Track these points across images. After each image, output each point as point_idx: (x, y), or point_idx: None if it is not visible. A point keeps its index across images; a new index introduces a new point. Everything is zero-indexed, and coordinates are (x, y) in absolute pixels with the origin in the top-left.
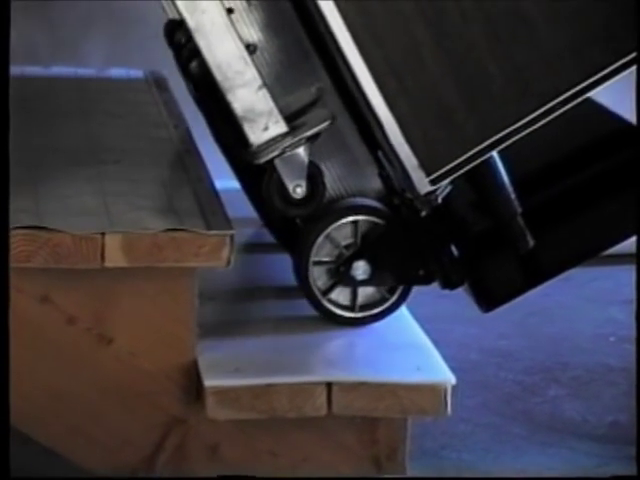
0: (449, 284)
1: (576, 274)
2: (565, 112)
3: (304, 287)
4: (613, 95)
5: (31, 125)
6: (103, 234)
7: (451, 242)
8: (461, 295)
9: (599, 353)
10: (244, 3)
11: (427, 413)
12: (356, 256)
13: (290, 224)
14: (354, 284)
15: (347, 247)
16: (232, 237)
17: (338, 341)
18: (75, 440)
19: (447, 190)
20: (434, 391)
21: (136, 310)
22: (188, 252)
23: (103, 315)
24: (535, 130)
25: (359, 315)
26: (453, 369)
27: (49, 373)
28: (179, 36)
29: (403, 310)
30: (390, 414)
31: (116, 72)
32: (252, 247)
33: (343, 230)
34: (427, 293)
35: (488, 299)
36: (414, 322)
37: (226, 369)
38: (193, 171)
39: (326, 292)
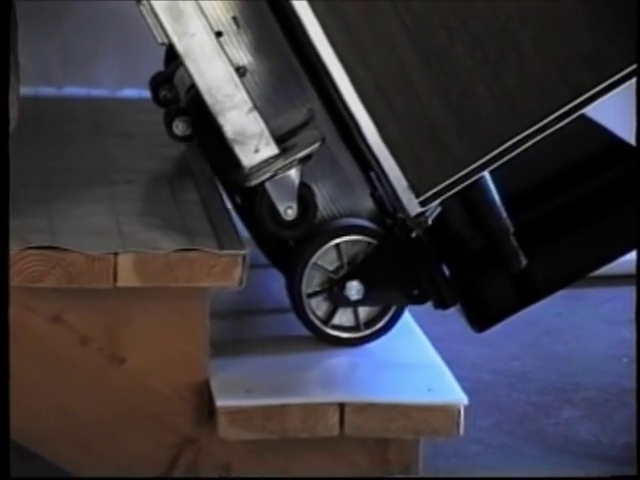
0: (442, 304)
1: (589, 294)
2: (558, 129)
3: (304, 322)
4: (609, 109)
5: (44, 146)
6: (116, 254)
7: (443, 262)
8: None
9: (612, 374)
10: (233, 26)
11: (439, 434)
12: (349, 276)
13: (283, 246)
14: (348, 304)
15: (340, 268)
16: (244, 257)
17: (350, 361)
18: (86, 459)
19: (437, 211)
20: (446, 412)
21: (148, 330)
22: (200, 272)
23: (115, 335)
24: (528, 147)
25: (366, 333)
26: (465, 389)
27: (61, 392)
28: (164, 92)
29: (415, 330)
30: (402, 435)
31: (128, 92)
32: (261, 265)
33: (334, 251)
34: (439, 312)
35: (481, 319)
36: (426, 342)
37: (238, 389)
38: (205, 191)
39: (328, 320)
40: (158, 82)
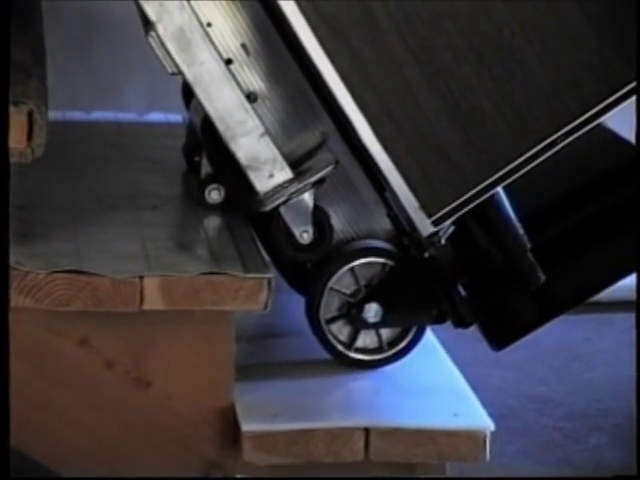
0: (462, 322)
1: (618, 320)
2: (578, 140)
3: (327, 347)
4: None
5: (72, 170)
6: (142, 277)
7: (461, 280)
8: None
9: None
10: (243, 53)
11: (465, 459)
12: (367, 299)
13: (301, 269)
14: (367, 327)
15: (357, 291)
16: (270, 281)
17: (375, 385)
18: None
19: (450, 230)
20: (473, 437)
21: (174, 353)
22: (226, 295)
23: (141, 359)
24: (543, 163)
25: (390, 353)
26: (492, 415)
27: (87, 416)
28: (197, 159)
29: (441, 354)
30: (428, 460)
31: (155, 117)
32: (285, 288)
33: (350, 275)
34: (466, 337)
35: (500, 337)
36: (453, 366)
37: (263, 413)
38: (230, 215)
39: (351, 343)
40: (190, 149)
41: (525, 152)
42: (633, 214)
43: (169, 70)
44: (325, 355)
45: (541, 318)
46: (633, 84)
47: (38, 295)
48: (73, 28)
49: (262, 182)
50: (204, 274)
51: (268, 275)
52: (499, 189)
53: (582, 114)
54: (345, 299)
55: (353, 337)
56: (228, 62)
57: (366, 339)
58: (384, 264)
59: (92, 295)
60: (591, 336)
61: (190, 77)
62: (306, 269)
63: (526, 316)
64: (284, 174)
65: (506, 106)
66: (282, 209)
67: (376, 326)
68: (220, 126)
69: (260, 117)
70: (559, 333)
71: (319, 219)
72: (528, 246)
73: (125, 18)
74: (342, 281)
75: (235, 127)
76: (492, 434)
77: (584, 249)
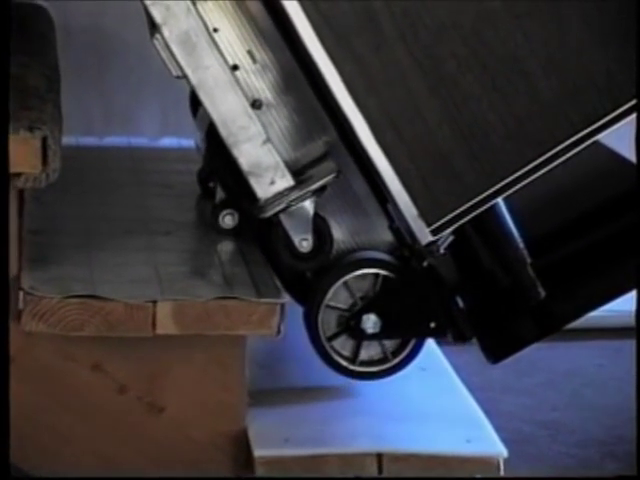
0: (460, 336)
1: (629, 346)
2: (588, 165)
3: (331, 365)
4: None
5: (85, 195)
6: (154, 302)
7: (459, 294)
8: (512, 365)
9: None
10: (249, 60)
11: None
12: (366, 309)
13: (300, 278)
14: (365, 338)
15: (354, 305)
16: (283, 306)
17: (388, 410)
18: None
19: (449, 240)
20: (485, 463)
21: (186, 378)
22: (238, 320)
23: (154, 383)
24: (548, 187)
25: (395, 362)
26: (505, 441)
27: (100, 440)
28: (212, 184)
29: (454, 379)
30: None
31: (168, 142)
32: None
33: (345, 290)
34: (478, 363)
35: (497, 350)
36: (465, 392)
37: (276, 439)
38: (243, 241)
39: (355, 358)
40: (205, 175)
41: (527, 164)
42: (634, 236)
43: (174, 73)
44: (337, 380)
45: (539, 332)
46: (635, 100)
47: (51, 320)
48: (87, 54)
49: (263, 189)
50: (217, 299)
51: (281, 300)
52: (500, 202)
53: (585, 127)
54: (343, 314)
55: (356, 351)
56: (234, 68)
57: (370, 351)
58: (377, 274)
59: (105, 320)
60: (603, 362)
61: (194, 81)
62: (305, 278)
63: (524, 330)
64: (285, 181)
65: (509, 117)
66: (282, 216)
67: (374, 337)
68: (223, 131)
69: (264, 124)
70: (571, 359)
71: (319, 228)
72: (528, 260)
73: (138, 44)
74: (338, 296)
75: (238, 133)
76: (505, 460)
77: (584, 267)
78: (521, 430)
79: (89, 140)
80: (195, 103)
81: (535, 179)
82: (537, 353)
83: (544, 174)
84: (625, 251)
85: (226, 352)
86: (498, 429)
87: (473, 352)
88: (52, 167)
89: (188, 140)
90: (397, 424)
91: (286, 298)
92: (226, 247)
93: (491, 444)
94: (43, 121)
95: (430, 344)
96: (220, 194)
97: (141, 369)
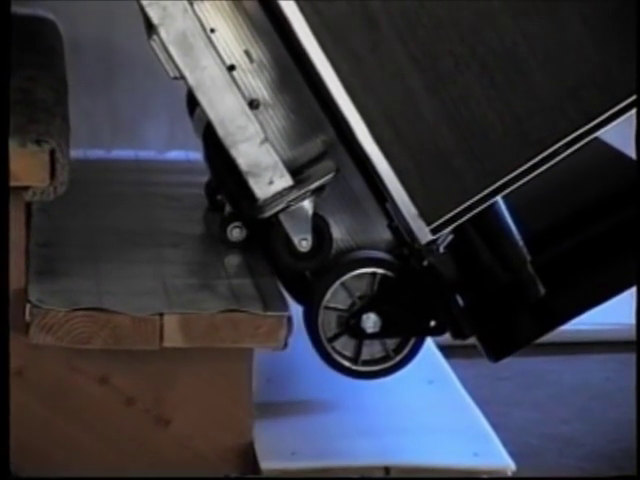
0: (460, 334)
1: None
2: (585, 161)
3: (333, 366)
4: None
5: (93, 207)
6: (161, 315)
7: (458, 292)
8: (520, 378)
9: None
10: (246, 60)
11: None
12: (366, 308)
13: (300, 278)
14: (365, 337)
15: (353, 305)
16: (289, 319)
17: (395, 423)
18: None
19: (449, 239)
20: (493, 477)
21: (193, 391)
22: (245, 333)
23: (161, 396)
24: (549, 183)
25: (397, 359)
26: (512, 454)
27: (107, 453)
28: (219, 197)
29: (461, 392)
30: None
31: (175, 155)
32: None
33: (343, 290)
34: (486, 376)
35: (498, 348)
36: (473, 405)
37: (283, 452)
38: (250, 253)
39: (356, 358)
40: (213, 188)
41: (526, 162)
42: (633, 232)
43: (171, 74)
44: (345, 393)
45: (539, 330)
46: (634, 96)
47: (59, 333)
48: (95, 67)
49: (262, 189)
50: (224, 312)
51: (288, 313)
52: (499, 200)
53: (583, 125)
54: (343, 315)
55: (358, 350)
56: (231, 68)
57: (373, 349)
58: (375, 274)
59: (112, 333)
60: (611, 375)
61: (192, 81)
62: (305, 278)
63: (524, 327)
64: (284, 181)
65: (507, 115)
66: (281, 216)
67: (375, 337)
68: (220, 131)
69: (261, 124)
70: (579, 372)
71: (319, 227)
72: (528, 258)
73: (145, 58)
74: (337, 297)
75: (236, 133)
76: (513, 474)
77: (583, 264)
78: (529, 444)
79: (96, 153)
80: (192, 104)
81: (535, 176)
82: (545, 366)
83: (544, 171)
84: (625, 247)
85: (233, 365)
86: (506, 443)
87: (481, 365)
88: (60, 180)
89: (195, 153)
90: (404, 437)
91: (292, 311)
92: (233, 260)
93: (499, 458)
94: (51, 134)
95: (438, 357)
96: (229, 207)
97: (148, 382)
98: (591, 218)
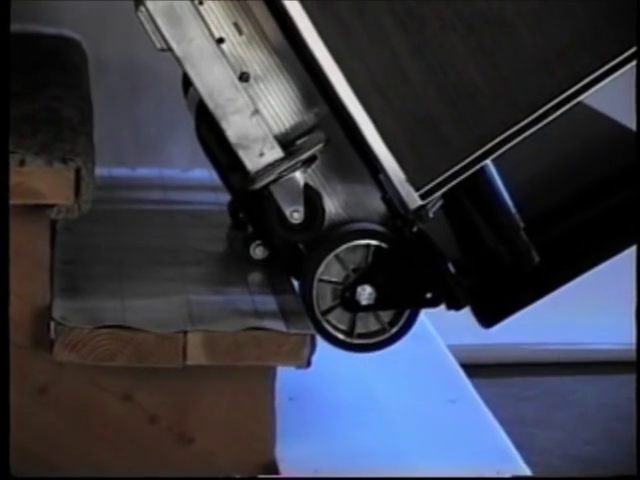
0: (455, 304)
1: None
2: (595, 137)
3: (328, 340)
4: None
5: (117, 225)
6: (185, 332)
7: (451, 261)
8: (544, 398)
9: None
10: (235, 33)
11: None
12: (360, 280)
13: (295, 253)
14: (359, 310)
15: (347, 278)
16: (313, 337)
17: (418, 442)
18: None
19: (439, 204)
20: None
21: (216, 409)
22: (268, 351)
23: (184, 414)
24: (553, 159)
25: (392, 332)
26: (536, 475)
27: (129, 471)
28: (242, 215)
29: (484, 412)
30: None
31: (199, 173)
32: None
33: (337, 263)
34: (509, 396)
35: (491, 314)
36: (496, 425)
37: (305, 470)
38: (273, 270)
39: (351, 331)
40: (236, 206)
41: (514, 124)
42: (634, 206)
43: (158, 46)
44: (366, 411)
45: (534, 294)
46: (624, 55)
47: (83, 350)
48: (119, 86)
49: (252, 161)
50: (247, 329)
51: (311, 331)
52: (492, 168)
53: (572, 86)
54: (338, 287)
55: (352, 323)
56: (220, 41)
57: (368, 322)
58: (369, 246)
59: (136, 350)
60: (634, 396)
61: (179, 53)
62: (300, 252)
63: (518, 292)
64: (274, 153)
65: (495, 78)
66: (272, 188)
67: (369, 309)
68: (210, 103)
69: (251, 97)
70: (603, 393)
71: (311, 199)
72: (521, 225)
73: (169, 76)
74: (331, 270)
75: (225, 105)
76: None
77: (580, 233)
78: (552, 464)
79: (121, 171)
80: (187, 83)
81: (536, 152)
82: (568, 386)
83: (548, 145)
84: (624, 220)
85: (256, 383)
86: (529, 463)
87: (504, 385)
88: (84, 198)
89: None
90: (427, 457)
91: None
92: (256, 278)
93: None
94: (76, 153)
95: (460, 376)
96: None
97: (171, 399)
98: (595, 194)
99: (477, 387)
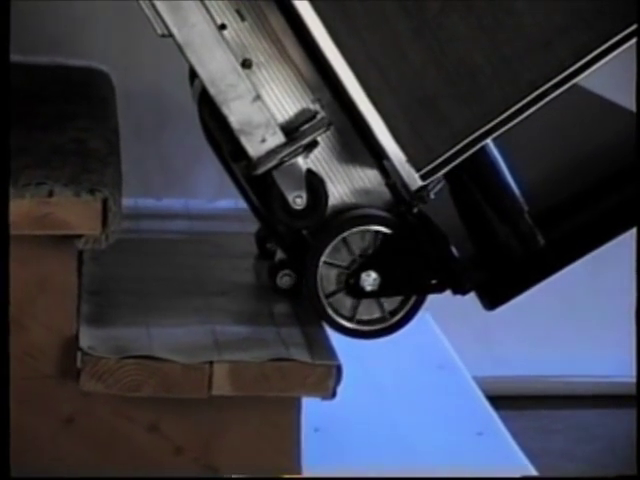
0: (460, 288)
1: None
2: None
3: (329, 323)
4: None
5: (143, 255)
6: (211, 363)
7: (455, 245)
8: (571, 431)
9: None
10: (238, 19)
11: None
12: (364, 267)
13: (299, 240)
14: (364, 296)
15: (353, 262)
16: (339, 368)
17: (445, 474)
18: None
19: (440, 185)
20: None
21: (242, 440)
22: (294, 382)
23: (210, 445)
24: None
25: (396, 319)
26: None
27: None
28: (269, 245)
29: (512, 444)
30: None
31: (225, 203)
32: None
33: (344, 246)
34: (536, 428)
35: (495, 295)
36: (523, 457)
37: None
38: (298, 301)
39: (352, 316)
40: (263, 235)
41: (515, 103)
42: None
43: (159, 32)
44: (390, 443)
45: (538, 274)
46: (624, 33)
47: (109, 380)
48: (145, 117)
49: (254, 147)
50: (273, 360)
51: (336, 362)
52: (495, 151)
53: (573, 64)
54: (343, 272)
55: (355, 309)
56: (222, 27)
57: (370, 309)
58: (376, 232)
59: (162, 381)
60: None
61: (180, 39)
62: (304, 240)
63: (523, 273)
64: (276, 138)
65: (495, 57)
66: (275, 173)
67: (374, 295)
68: (212, 90)
69: (254, 83)
70: (630, 426)
71: (313, 185)
72: (525, 208)
73: (195, 107)
74: (337, 254)
75: (227, 91)
76: None
77: (581, 210)
78: None
79: (147, 201)
80: (193, 74)
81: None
82: (596, 419)
83: (558, 136)
84: (624, 200)
85: (281, 414)
86: None
87: (531, 417)
88: (111, 229)
89: (244, 202)
90: None
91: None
92: (282, 308)
93: None
94: (104, 184)
95: (487, 408)
96: (280, 254)
97: (197, 430)
98: (606, 185)
99: (504, 419)
